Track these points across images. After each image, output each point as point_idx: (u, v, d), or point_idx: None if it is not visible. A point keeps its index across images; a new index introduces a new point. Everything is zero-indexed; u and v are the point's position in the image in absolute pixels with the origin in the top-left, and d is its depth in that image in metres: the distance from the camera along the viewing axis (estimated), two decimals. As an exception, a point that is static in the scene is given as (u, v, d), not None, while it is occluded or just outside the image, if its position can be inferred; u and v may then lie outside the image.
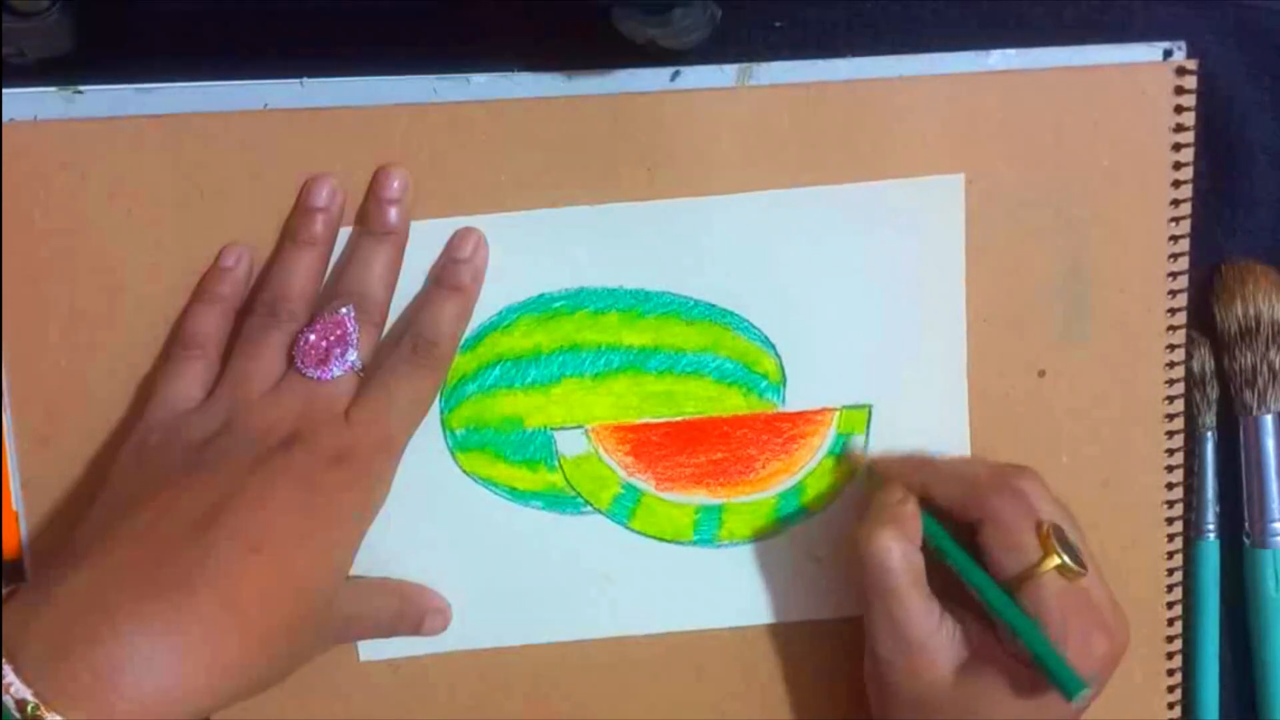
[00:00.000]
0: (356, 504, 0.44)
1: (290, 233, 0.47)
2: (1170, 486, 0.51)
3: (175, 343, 0.47)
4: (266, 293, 0.46)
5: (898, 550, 0.45)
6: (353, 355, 0.45)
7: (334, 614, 0.45)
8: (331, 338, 0.45)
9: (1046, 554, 0.43)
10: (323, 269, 0.47)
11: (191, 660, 0.38)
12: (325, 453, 0.43)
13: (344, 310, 0.45)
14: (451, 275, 0.47)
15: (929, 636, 0.45)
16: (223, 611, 0.39)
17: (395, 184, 0.47)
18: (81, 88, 0.46)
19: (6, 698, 0.35)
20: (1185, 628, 0.53)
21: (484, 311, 0.49)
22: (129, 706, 0.37)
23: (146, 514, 0.41)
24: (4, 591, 0.39)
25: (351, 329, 0.45)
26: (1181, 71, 0.48)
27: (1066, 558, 0.43)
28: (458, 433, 0.49)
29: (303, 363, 0.45)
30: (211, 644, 0.38)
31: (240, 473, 0.42)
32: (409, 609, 0.49)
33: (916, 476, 0.47)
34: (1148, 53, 0.49)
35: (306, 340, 0.45)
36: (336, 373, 0.45)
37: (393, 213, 0.47)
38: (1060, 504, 0.46)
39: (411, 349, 0.46)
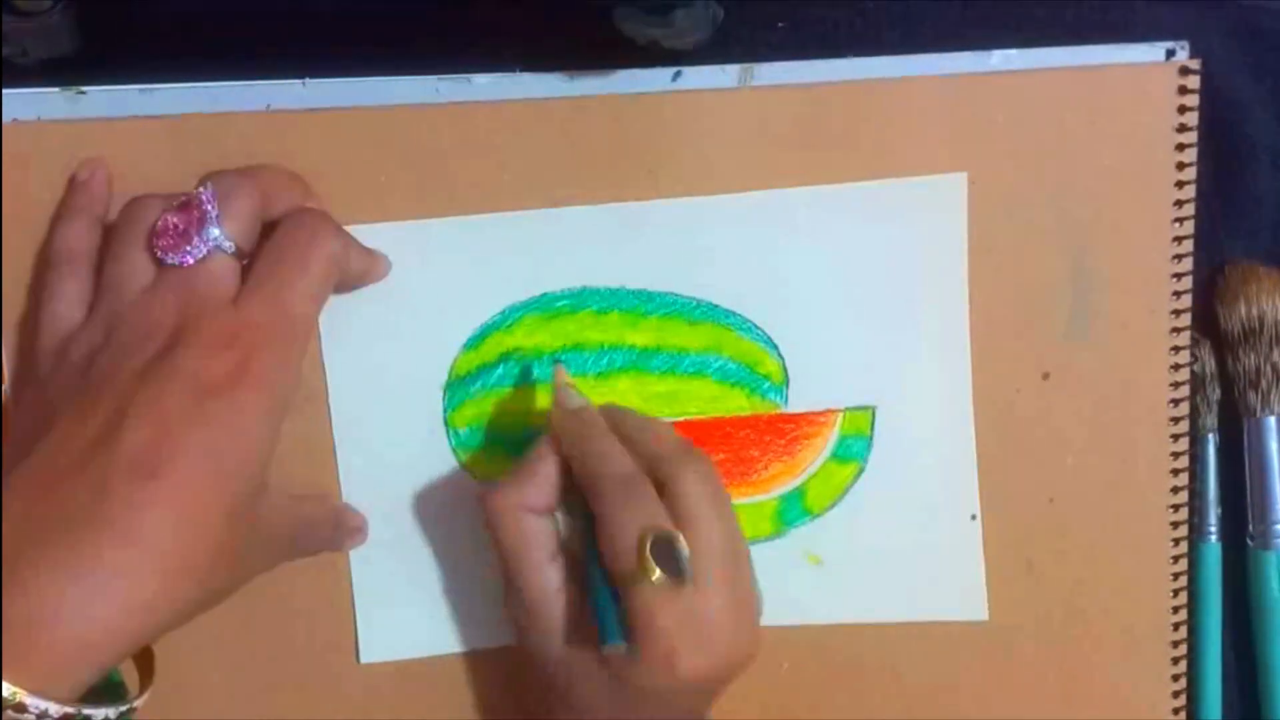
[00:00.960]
0: (258, 399, 0.40)
1: None
2: (1175, 490, 0.51)
3: (44, 265, 0.45)
4: (127, 203, 0.44)
5: (505, 519, 0.44)
6: (215, 232, 0.41)
7: (267, 529, 0.42)
8: (189, 218, 0.41)
9: (643, 565, 0.41)
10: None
11: (103, 603, 0.35)
12: (212, 343, 0.39)
13: (200, 190, 0.42)
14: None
15: (540, 603, 0.44)
16: (129, 549, 0.36)
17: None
18: (84, 88, 0.46)
19: None
20: (1188, 630, 0.53)
21: (487, 310, 0.49)
22: (47, 658, 0.35)
23: (39, 452, 0.38)
24: None
25: (210, 207, 0.41)
26: (1184, 71, 0.48)
27: (661, 571, 0.40)
28: (461, 431, 0.49)
29: (163, 250, 0.41)
30: (124, 583, 0.36)
31: (124, 389, 0.39)
32: (340, 529, 0.48)
33: (610, 424, 0.45)
34: (1150, 53, 0.49)
35: (163, 223, 0.41)
36: (201, 252, 0.41)
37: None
38: (709, 501, 0.43)
39: (295, 222, 0.43)
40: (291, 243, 0.43)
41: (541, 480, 0.44)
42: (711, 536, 0.42)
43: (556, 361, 0.49)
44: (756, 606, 0.44)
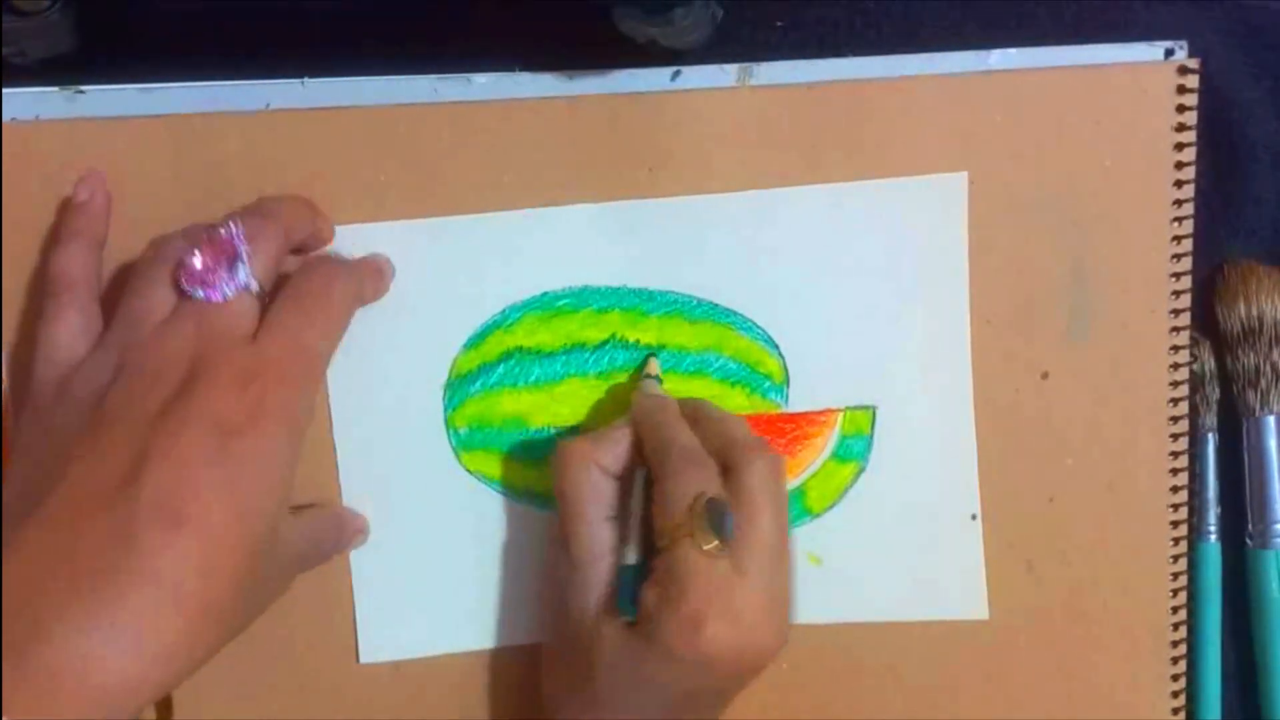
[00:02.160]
0: (276, 438, 0.40)
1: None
2: (1175, 490, 0.51)
3: (43, 292, 0.44)
4: (154, 240, 0.44)
5: (574, 468, 0.45)
6: (244, 273, 0.41)
7: (282, 556, 0.42)
8: (219, 256, 0.41)
9: (690, 521, 0.41)
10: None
11: (131, 652, 0.35)
12: (230, 381, 0.39)
13: (230, 227, 0.42)
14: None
15: (587, 563, 0.44)
16: (156, 596, 0.36)
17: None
18: (83, 87, 0.46)
19: None
20: (1187, 629, 0.52)
21: (487, 309, 0.49)
22: (73, 707, 0.34)
23: (57, 495, 0.37)
24: None
25: (240, 245, 0.41)
26: (1183, 71, 0.48)
27: (704, 534, 0.41)
28: (461, 431, 0.49)
29: (189, 284, 0.41)
30: (151, 631, 0.36)
31: (143, 428, 0.38)
32: (343, 535, 0.48)
33: (687, 412, 0.46)
34: (1149, 52, 0.49)
35: (189, 260, 0.41)
36: (228, 292, 0.41)
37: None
38: (769, 494, 0.43)
39: (319, 260, 0.44)
40: (311, 282, 0.43)
41: (614, 443, 0.45)
42: (763, 527, 0.42)
43: (651, 354, 0.49)
44: (788, 612, 0.44)
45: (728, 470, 0.43)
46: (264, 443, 0.39)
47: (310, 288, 0.43)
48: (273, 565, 0.41)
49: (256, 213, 0.43)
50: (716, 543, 0.41)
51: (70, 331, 0.43)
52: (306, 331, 0.42)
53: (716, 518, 0.41)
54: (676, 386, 0.49)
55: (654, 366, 0.49)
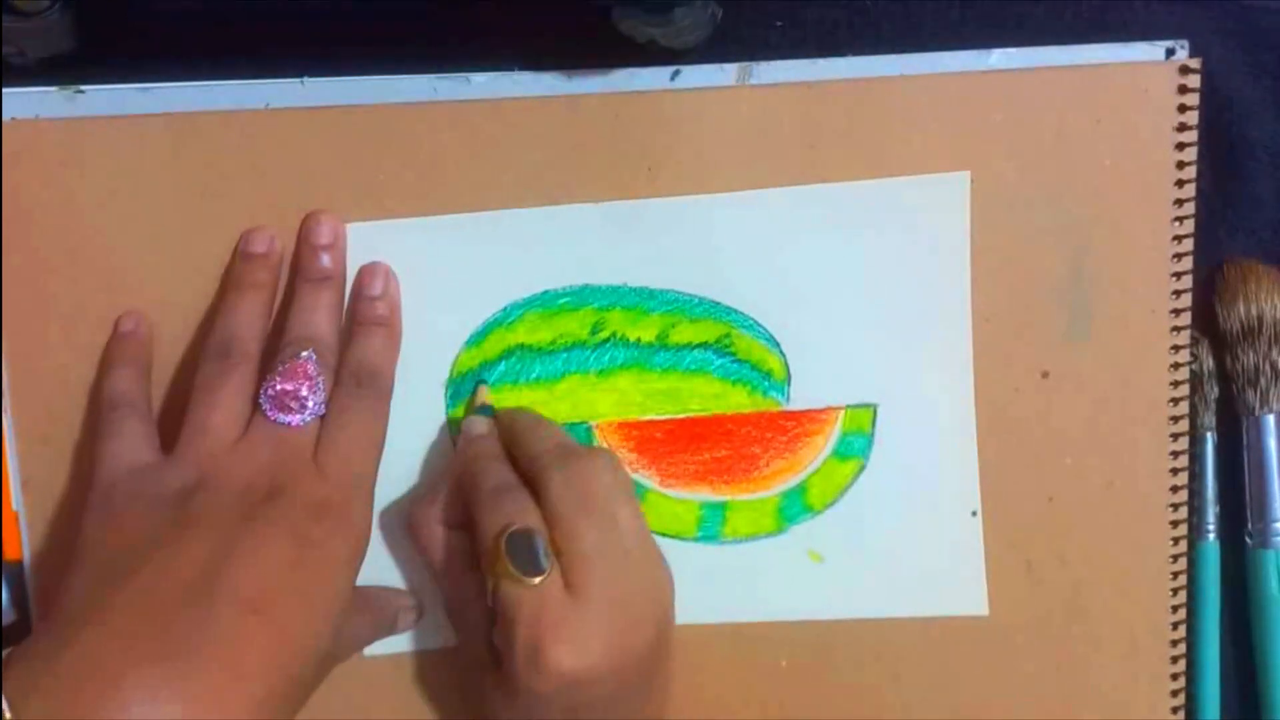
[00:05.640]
0: (345, 553, 0.44)
1: (234, 279, 0.47)
2: (1175, 489, 0.51)
3: (100, 407, 0.47)
4: (216, 338, 0.46)
5: (426, 527, 0.46)
6: (320, 400, 0.45)
7: (338, 650, 0.45)
8: (301, 384, 0.45)
9: (497, 557, 0.41)
10: (269, 312, 0.47)
11: None
12: (307, 505, 0.43)
13: (305, 355, 0.45)
14: (369, 312, 0.48)
15: (458, 611, 0.47)
16: (227, 677, 0.38)
17: (324, 230, 0.47)
18: (82, 87, 0.46)
19: None
20: (1187, 628, 0.52)
21: (489, 307, 0.49)
22: None
23: (142, 576, 0.40)
24: (3, 654, 0.39)
25: (315, 373, 0.45)
26: (1184, 71, 0.48)
27: (515, 564, 0.41)
28: (462, 430, 0.49)
29: (273, 410, 0.44)
30: (216, 710, 0.38)
31: (230, 528, 0.41)
32: (382, 619, 0.49)
33: (504, 430, 0.47)
34: (1150, 52, 0.49)
35: (275, 388, 0.45)
36: (309, 419, 0.45)
37: (325, 258, 0.47)
38: (576, 501, 0.42)
39: (356, 384, 0.46)
40: (358, 408, 0.46)
41: (451, 494, 0.46)
42: (576, 536, 0.42)
43: (480, 382, 0.49)
44: (648, 610, 0.43)
45: (535, 490, 0.43)
46: (336, 556, 0.43)
47: (359, 421, 0.45)
48: (329, 661, 0.45)
49: (324, 329, 0.47)
50: (533, 572, 0.41)
51: (134, 439, 0.45)
52: (362, 461, 0.45)
53: (522, 549, 0.41)
54: (676, 384, 0.50)
55: (483, 394, 0.49)
